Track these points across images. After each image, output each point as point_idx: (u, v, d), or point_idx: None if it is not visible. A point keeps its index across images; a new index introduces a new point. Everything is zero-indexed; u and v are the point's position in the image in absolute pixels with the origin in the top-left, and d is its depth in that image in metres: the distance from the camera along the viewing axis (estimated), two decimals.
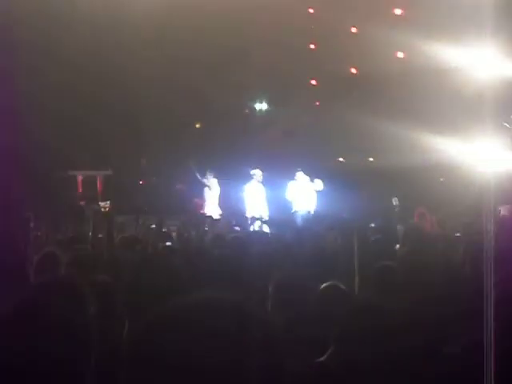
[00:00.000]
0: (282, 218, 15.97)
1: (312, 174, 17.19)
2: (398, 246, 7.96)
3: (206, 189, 17.66)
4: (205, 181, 17.66)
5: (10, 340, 1.92)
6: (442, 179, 19.99)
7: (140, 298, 3.56)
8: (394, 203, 15.48)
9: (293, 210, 16.77)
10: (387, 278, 4.78)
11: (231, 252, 6.41)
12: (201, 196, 17.81)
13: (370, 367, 2.75)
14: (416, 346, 2.87)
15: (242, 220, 15.86)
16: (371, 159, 22.52)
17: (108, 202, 14.23)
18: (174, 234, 12.07)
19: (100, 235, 7.55)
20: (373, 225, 11.46)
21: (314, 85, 23.31)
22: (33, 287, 2.65)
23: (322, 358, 3.16)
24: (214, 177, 17.78)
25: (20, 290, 2.74)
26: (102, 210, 12.71)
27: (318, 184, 17.03)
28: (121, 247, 7.65)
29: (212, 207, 17.38)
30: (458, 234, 9.60)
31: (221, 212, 17.13)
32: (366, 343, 2.89)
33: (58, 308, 2.20)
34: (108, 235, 6.31)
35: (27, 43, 17.91)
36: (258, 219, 15.72)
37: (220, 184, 17.79)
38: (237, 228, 14.23)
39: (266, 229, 14.61)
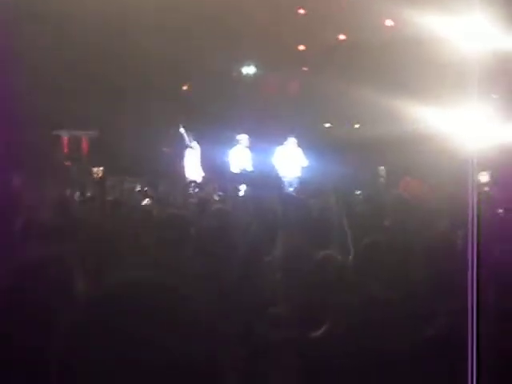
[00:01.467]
0: (266, 184, 15.96)
1: (299, 141, 17.21)
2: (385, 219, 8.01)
3: (189, 151, 17.52)
4: (191, 144, 17.51)
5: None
6: (422, 148, 20.02)
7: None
8: (381, 172, 15.55)
9: (279, 176, 16.77)
10: (374, 254, 4.84)
11: (218, 222, 6.39)
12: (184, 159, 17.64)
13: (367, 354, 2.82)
14: (411, 335, 2.95)
15: (226, 185, 15.83)
16: (357, 126, 22.56)
17: (101, 168, 14.26)
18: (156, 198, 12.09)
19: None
20: (359, 192, 11.54)
21: (302, 50, 23.24)
22: None
23: (317, 332, 3.22)
24: (195, 140, 17.63)
25: None
26: (95, 175, 12.74)
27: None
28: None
29: (194, 170, 17.25)
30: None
31: (203, 174, 17.00)
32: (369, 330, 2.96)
33: None
34: (101, 201, 6.37)
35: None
36: (241, 184, 15.68)
37: (202, 148, 17.65)
38: (220, 193, 14.22)
39: (248, 193, 14.56)
